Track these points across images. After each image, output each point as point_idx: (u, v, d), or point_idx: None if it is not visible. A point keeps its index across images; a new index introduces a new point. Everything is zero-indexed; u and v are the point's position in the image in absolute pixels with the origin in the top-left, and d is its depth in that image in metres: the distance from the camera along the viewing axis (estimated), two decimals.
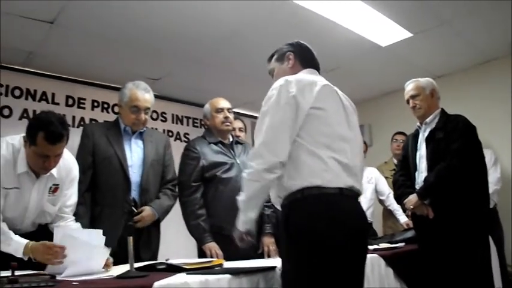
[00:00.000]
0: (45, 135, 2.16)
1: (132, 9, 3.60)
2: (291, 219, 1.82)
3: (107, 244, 2.17)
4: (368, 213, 4.31)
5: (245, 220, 1.93)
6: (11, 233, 2.21)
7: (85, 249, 2.04)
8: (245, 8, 3.66)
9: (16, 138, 2.37)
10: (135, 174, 2.82)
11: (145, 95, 2.89)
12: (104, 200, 2.75)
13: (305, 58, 2.18)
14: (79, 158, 2.70)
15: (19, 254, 2.13)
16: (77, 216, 2.59)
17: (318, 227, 1.73)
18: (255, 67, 4.08)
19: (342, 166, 1.84)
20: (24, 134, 2.29)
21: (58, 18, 3.67)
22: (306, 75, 2.05)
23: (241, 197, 1.93)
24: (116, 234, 2.55)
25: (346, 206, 1.84)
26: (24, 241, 2.17)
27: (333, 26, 3.97)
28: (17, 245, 2.16)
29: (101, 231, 2.19)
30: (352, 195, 1.88)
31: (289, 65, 2.16)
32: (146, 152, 2.91)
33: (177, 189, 3.06)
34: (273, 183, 1.89)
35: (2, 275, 1.72)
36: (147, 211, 2.79)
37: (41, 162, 2.26)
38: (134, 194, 2.79)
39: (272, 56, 2.28)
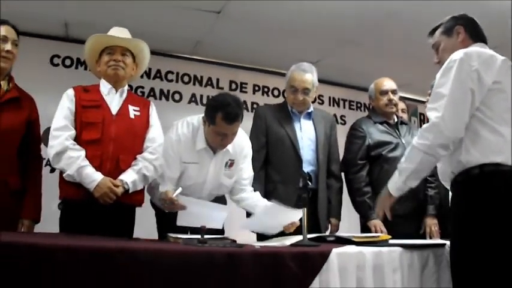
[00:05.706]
0: (223, 115, 2.37)
1: None
2: (468, 196, 1.81)
3: None
4: None
5: (402, 187, 1.95)
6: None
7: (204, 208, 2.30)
8: None
9: (195, 118, 2.63)
10: (306, 153, 2.96)
11: (303, 76, 2.97)
12: (277, 177, 2.93)
13: (474, 32, 2.10)
14: (253, 138, 2.91)
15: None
16: None
17: (497, 206, 1.71)
18: (412, 49, 3.99)
19: None
20: (202, 115, 2.53)
21: (224, 8, 3.94)
22: (483, 49, 1.98)
23: (406, 164, 1.92)
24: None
25: None
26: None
27: None
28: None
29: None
30: None
31: (459, 39, 2.08)
32: (318, 131, 3.03)
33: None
34: (444, 158, 1.88)
35: (192, 237, 1.93)
36: None
37: (219, 139, 2.49)
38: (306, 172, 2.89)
39: (435, 29, 2.20)
